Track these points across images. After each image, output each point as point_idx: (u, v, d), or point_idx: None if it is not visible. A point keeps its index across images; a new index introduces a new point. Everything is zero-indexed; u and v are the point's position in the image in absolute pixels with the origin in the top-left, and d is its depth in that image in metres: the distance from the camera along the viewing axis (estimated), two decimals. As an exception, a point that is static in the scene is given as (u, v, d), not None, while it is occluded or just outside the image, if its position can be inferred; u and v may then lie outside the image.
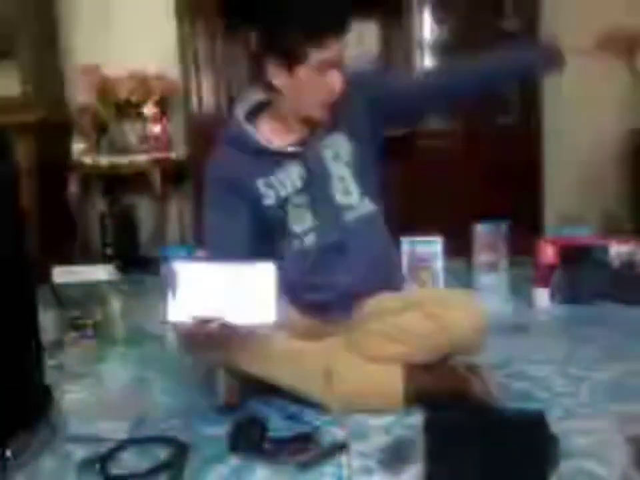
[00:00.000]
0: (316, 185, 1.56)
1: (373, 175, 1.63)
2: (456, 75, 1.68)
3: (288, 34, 1.43)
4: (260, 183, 1.55)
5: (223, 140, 1.61)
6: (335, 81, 1.48)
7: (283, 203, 1.56)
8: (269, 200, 1.56)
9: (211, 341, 1.33)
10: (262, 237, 1.56)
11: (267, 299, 1.24)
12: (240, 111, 1.60)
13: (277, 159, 1.56)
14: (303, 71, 1.46)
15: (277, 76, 1.48)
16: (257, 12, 1.49)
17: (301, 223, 1.57)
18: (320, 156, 1.56)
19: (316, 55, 1.43)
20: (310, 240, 1.56)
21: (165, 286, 1.27)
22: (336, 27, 1.44)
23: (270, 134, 1.58)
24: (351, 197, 1.58)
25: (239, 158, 1.56)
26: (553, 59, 1.54)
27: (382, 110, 1.57)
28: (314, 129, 1.57)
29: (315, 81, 1.46)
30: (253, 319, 1.26)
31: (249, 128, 1.57)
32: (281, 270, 1.29)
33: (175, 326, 1.32)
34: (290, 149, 1.56)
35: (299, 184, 1.55)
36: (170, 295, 1.25)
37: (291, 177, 1.56)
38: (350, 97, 1.53)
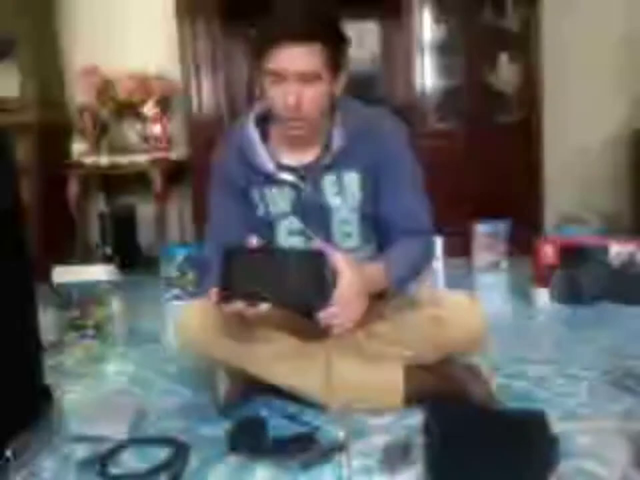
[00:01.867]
0: (310, 215, 1.49)
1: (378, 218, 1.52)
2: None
3: (254, 38, 1.38)
4: (255, 192, 1.52)
5: (228, 139, 1.57)
6: (282, 96, 1.34)
7: (272, 219, 1.51)
8: (260, 212, 1.52)
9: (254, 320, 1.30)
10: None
11: (319, 284, 1.21)
12: (252, 114, 1.51)
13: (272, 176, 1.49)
14: (265, 80, 1.37)
15: (258, 82, 1.43)
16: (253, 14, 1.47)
17: (292, 245, 1.51)
18: (319, 187, 1.47)
19: (267, 63, 1.34)
20: None
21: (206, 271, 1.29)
22: (285, 35, 1.30)
23: (277, 142, 1.50)
24: (351, 240, 1.52)
25: (237, 164, 1.50)
26: None
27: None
28: (322, 154, 1.47)
29: (272, 92, 1.37)
30: (304, 302, 1.24)
31: (253, 135, 1.48)
32: None
33: (221, 307, 1.25)
34: (283, 176, 1.47)
35: (288, 209, 1.49)
36: (220, 279, 1.22)
37: (282, 198, 1.49)
38: (366, 138, 1.45)
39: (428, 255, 1.53)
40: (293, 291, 1.20)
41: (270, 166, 1.47)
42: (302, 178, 1.48)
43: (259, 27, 1.37)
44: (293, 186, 1.48)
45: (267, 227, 1.51)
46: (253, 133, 1.49)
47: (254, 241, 1.26)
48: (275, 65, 1.32)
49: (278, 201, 1.50)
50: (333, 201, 1.48)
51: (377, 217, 1.50)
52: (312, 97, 1.35)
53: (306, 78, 1.33)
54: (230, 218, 1.53)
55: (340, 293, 1.24)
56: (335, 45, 1.36)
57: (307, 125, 1.41)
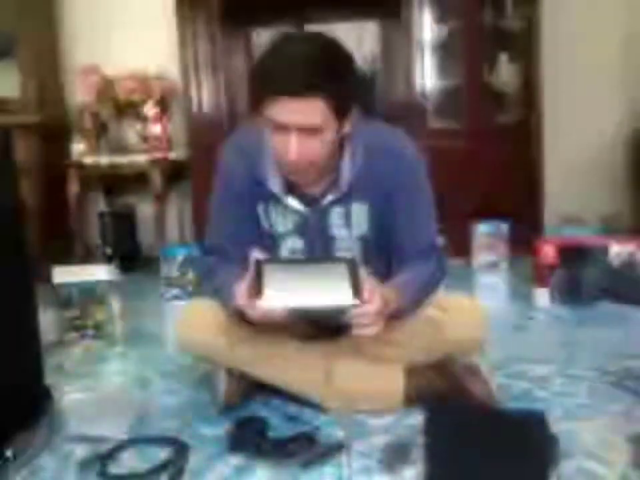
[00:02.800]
0: (314, 239, 1.45)
1: (386, 253, 1.48)
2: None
3: (253, 84, 1.34)
4: (260, 207, 1.46)
5: (236, 141, 1.49)
6: (283, 147, 1.26)
7: (275, 236, 1.47)
8: (264, 225, 1.47)
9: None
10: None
11: (345, 290, 1.18)
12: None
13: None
14: (266, 125, 1.29)
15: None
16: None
17: None
18: (325, 218, 1.43)
19: (267, 112, 1.25)
20: None
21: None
22: (284, 89, 1.21)
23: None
24: None
25: (245, 173, 1.43)
26: None
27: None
28: (330, 188, 1.41)
29: (273, 140, 1.29)
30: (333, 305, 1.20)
31: (264, 150, 1.39)
32: None
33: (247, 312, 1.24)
34: (290, 201, 1.42)
35: (291, 228, 1.45)
36: (253, 286, 1.19)
37: (286, 219, 1.44)
38: (378, 169, 1.39)
39: (438, 280, 1.48)
40: (325, 296, 1.18)
41: (277, 188, 1.41)
42: (308, 204, 1.43)
43: (258, 74, 1.28)
44: (296, 211, 1.43)
45: (269, 239, 1.47)
46: (264, 146, 1.38)
47: (256, 254, 1.22)
48: (275, 117, 1.24)
49: (281, 220, 1.45)
50: (339, 232, 1.44)
51: (385, 242, 1.46)
52: (315, 148, 1.27)
53: (308, 131, 1.24)
54: (237, 220, 1.47)
55: (372, 292, 1.19)
56: (339, 95, 1.24)
57: (311, 173, 1.35)
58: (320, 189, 1.42)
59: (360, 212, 1.43)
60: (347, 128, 1.33)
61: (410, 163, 1.42)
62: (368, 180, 1.39)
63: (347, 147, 1.39)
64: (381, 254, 1.49)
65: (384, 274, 1.43)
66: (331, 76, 1.22)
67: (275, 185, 1.40)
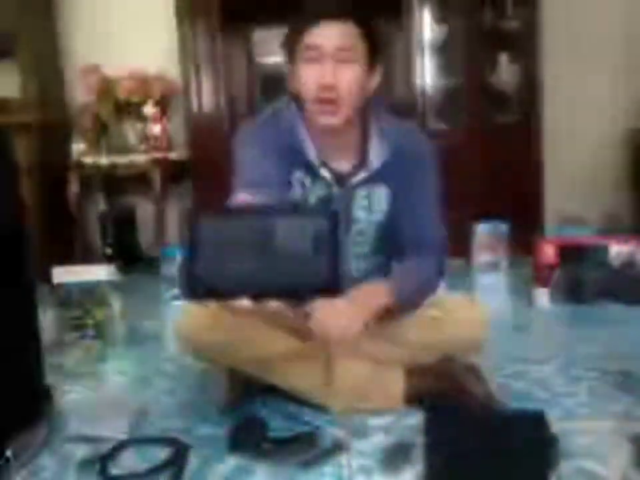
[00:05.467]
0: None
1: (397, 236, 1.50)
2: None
3: (290, 22, 1.37)
4: (295, 175, 1.43)
5: (261, 123, 1.46)
6: (316, 76, 1.32)
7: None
8: (295, 193, 1.44)
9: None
10: None
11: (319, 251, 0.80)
12: (291, 102, 1.44)
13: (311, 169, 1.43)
14: (298, 63, 1.35)
15: (289, 74, 1.41)
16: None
17: None
18: (349, 198, 1.45)
19: (303, 41, 1.33)
20: None
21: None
22: (322, 12, 1.32)
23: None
24: (361, 247, 1.51)
25: (276, 142, 1.40)
26: None
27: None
28: (357, 169, 1.44)
29: (305, 73, 1.34)
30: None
31: (297, 120, 1.41)
32: None
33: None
34: (322, 171, 1.42)
35: (314, 202, 1.44)
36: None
37: (312, 193, 1.44)
38: (404, 156, 1.43)
39: (438, 277, 1.50)
40: (282, 268, 0.79)
41: (313, 155, 1.41)
42: (337, 181, 1.44)
43: (295, 11, 1.35)
44: (327, 185, 1.44)
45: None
46: (297, 117, 1.42)
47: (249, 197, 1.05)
48: (312, 40, 1.31)
49: (310, 193, 1.44)
50: (359, 213, 1.47)
51: (392, 229, 1.49)
52: (348, 78, 1.33)
53: (342, 56, 1.32)
54: (271, 172, 1.37)
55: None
56: (371, 31, 1.35)
57: (341, 112, 1.35)
58: (349, 165, 1.44)
59: (381, 196, 1.46)
60: (372, 83, 1.39)
61: (431, 158, 1.49)
62: (394, 166, 1.43)
63: (372, 126, 1.43)
64: (386, 244, 1.51)
65: (382, 266, 1.48)
66: (363, 8, 1.34)
67: (311, 151, 1.41)
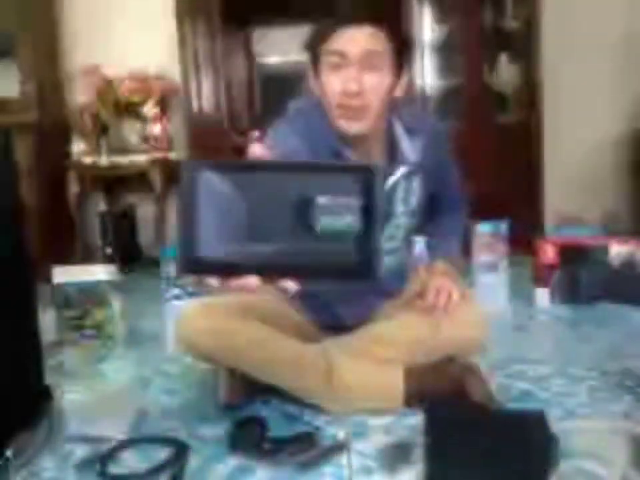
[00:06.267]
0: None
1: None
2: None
3: (316, 26, 1.36)
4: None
5: (285, 121, 1.43)
6: (341, 82, 1.30)
7: None
8: None
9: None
10: None
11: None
12: (313, 101, 1.43)
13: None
14: (321, 67, 1.34)
15: (311, 80, 1.39)
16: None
17: None
18: (391, 199, 1.46)
19: (329, 46, 1.31)
20: None
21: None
22: (350, 17, 1.30)
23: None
24: (393, 242, 1.53)
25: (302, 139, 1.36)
26: None
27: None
28: (392, 160, 1.44)
29: (330, 79, 1.32)
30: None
31: (320, 116, 1.39)
32: None
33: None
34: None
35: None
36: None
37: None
38: (433, 145, 1.48)
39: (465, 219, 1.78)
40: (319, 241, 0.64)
41: (348, 153, 1.38)
42: None
43: (323, 15, 1.34)
44: None
45: None
46: (326, 119, 1.38)
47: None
48: (338, 45, 1.30)
49: None
50: (398, 207, 1.49)
51: (423, 207, 1.56)
52: (373, 84, 1.31)
53: (368, 62, 1.30)
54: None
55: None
56: (399, 37, 1.34)
57: (366, 118, 1.34)
58: (383, 164, 1.44)
59: (417, 185, 1.50)
60: (399, 89, 1.39)
61: (443, 128, 1.60)
62: (426, 157, 1.47)
63: (396, 122, 1.45)
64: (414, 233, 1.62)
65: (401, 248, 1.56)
66: (392, 13, 1.40)
67: (346, 151, 1.39)
